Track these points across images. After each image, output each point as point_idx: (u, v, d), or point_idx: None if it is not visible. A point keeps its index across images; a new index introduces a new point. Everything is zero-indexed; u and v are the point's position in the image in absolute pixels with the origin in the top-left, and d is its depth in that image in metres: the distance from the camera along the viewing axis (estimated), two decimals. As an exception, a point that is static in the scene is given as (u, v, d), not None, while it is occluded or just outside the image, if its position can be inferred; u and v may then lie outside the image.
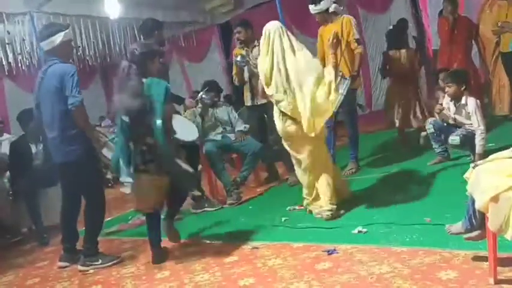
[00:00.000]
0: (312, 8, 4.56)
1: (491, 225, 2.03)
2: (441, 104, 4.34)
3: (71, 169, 3.46)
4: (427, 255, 2.52)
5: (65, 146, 3.43)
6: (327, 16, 4.58)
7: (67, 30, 3.50)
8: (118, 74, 3.24)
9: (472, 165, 2.25)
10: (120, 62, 3.31)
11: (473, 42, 5.89)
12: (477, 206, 2.10)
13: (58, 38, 3.40)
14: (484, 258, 2.26)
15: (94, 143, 3.50)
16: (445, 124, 4.30)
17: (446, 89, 4.20)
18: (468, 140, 4.07)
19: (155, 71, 3.33)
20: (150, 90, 3.15)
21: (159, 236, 3.42)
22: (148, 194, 3.27)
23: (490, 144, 4.05)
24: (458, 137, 4.09)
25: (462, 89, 4.11)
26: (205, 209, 4.58)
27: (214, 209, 4.55)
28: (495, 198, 1.98)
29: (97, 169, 3.67)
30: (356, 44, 4.47)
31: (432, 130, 4.37)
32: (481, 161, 2.27)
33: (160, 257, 3.36)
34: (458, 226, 2.40)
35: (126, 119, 3.18)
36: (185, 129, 4.05)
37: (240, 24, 4.98)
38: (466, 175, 2.26)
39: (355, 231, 3.12)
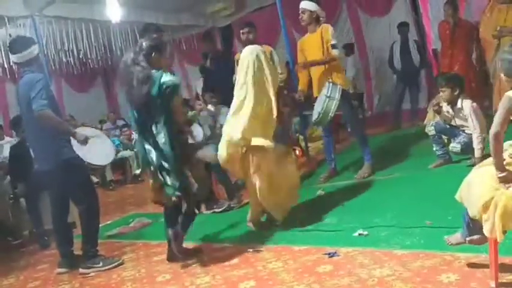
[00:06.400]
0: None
1: (487, 232, 2.05)
2: (438, 103, 4.35)
3: (54, 176, 3.48)
4: (428, 258, 2.52)
5: (45, 153, 3.47)
6: (314, 20, 4.61)
7: (36, 44, 3.68)
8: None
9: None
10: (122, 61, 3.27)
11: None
12: (471, 215, 2.14)
13: (34, 51, 3.54)
14: (485, 262, 2.25)
15: (69, 137, 3.45)
16: (447, 126, 4.29)
17: (441, 93, 4.23)
18: (470, 146, 4.05)
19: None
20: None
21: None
22: None
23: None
24: (459, 145, 4.09)
25: (456, 93, 4.11)
26: (214, 210, 4.62)
27: (221, 209, 4.58)
28: (485, 207, 2.02)
29: (82, 172, 3.62)
30: (331, 49, 4.53)
31: (434, 132, 4.36)
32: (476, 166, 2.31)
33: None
34: (457, 236, 2.40)
35: None
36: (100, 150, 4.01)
37: (248, 25, 5.02)
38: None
39: (356, 234, 3.12)
